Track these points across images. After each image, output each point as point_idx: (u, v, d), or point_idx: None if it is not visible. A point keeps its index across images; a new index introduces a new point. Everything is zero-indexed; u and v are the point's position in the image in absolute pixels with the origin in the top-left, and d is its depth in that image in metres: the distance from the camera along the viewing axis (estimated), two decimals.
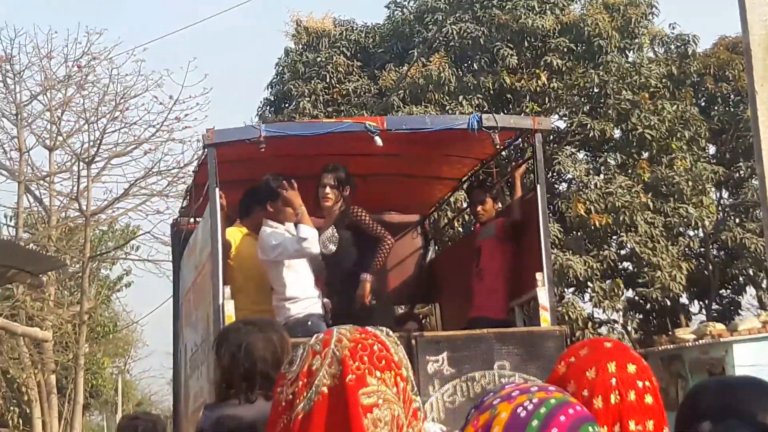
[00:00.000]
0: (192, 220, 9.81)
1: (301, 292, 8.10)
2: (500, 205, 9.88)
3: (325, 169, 8.44)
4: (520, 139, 9.34)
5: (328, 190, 8.41)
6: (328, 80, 25.37)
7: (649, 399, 2.67)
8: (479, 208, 9.27)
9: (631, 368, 2.69)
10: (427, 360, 7.49)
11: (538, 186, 8.32)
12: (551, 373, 2.74)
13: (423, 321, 10.42)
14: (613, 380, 2.64)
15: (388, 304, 8.92)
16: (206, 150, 8.18)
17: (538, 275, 8.07)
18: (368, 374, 2.23)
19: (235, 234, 8.43)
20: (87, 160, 20.70)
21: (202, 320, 8.58)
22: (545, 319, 7.98)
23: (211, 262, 7.87)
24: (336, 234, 8.36)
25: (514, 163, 9.34)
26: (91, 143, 21.14)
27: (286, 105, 26.56)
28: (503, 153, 9.28)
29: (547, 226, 8.36)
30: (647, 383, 2.70)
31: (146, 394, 66.59)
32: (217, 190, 7.89)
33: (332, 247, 8.34)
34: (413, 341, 7.45)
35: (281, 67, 27.25)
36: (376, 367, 2.24)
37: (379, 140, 8.11)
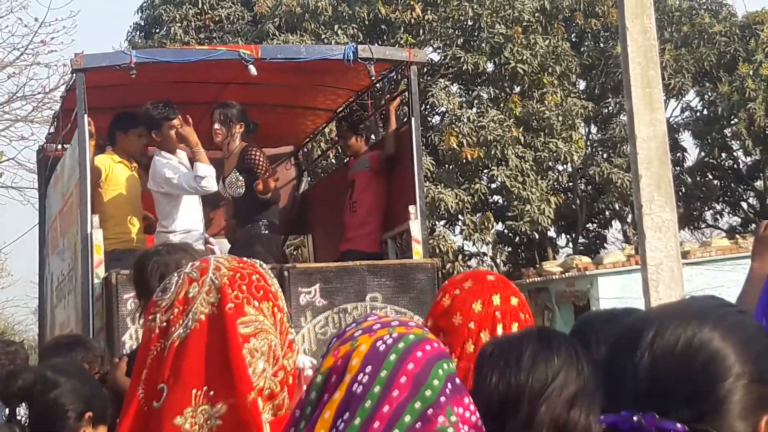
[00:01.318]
0: (59, 146, 9.61)
1: (186, 226, 8.02)
2: (371, 138, 9.90)
3: (217, 105, 8.38)
4: (395, 72, 9.36)
5: (217, 125, 8.33)
6: (200, 6, 24.89)
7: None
8: (342, 143, 9.39)
9: (514, 301, 2.73)
10: (300, 291, 7.52)
11: (413, 119, 8.36)
12: (434, 306, 2.75)
13: (294, 252, 10.45)
14: (498, 313, 2.67)
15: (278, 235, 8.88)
16: (74, 75, 8.01)
17: (411, 208, 8.14)
18: (246, 304, 2.21)
19: (106, 161, 8.25)
20: None
21: (69, 249, 8.48)
22: (417, 251, 8.05)
23: (78, 190, 7.75)
24: (240, 177, 8.25)
25: (388, 96, 9.35)
26: None
27: (157, 30, 26.03)
28: (378, 85, 9.26)
29: (420, 160, 8.41)
30: (527, 316, 2.74)
31: (10, 324, 65.58)
32: (85, 116, 7.75)
33: (240, 191, 8.26)
34: (285, 273, 7.46)
35: None
36: (254, 297, 2.22)
37: (253, 69, 8.04)
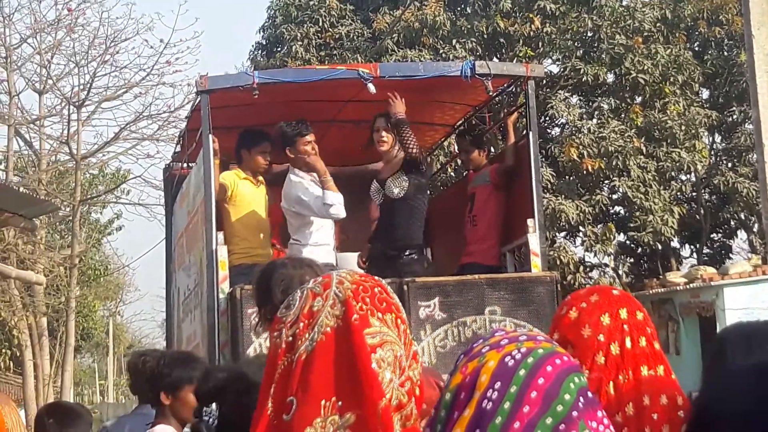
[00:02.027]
0: (185, 165, 9.83)
1: (318, 239, 8.14)
2: (491, 152, 9.90)
3: (379, 114, 8.42)
4: (513, 86, 9.37)
5: (383, 134, 8.35)
6: (320, 24, 25.17)
7: (656, 345, 2.69)
8: (464, 157, 9.40)
9: (639, 315, 2.72)
10: (419, 305, 7.57)
11: (530, 133, 8.38)
12: (560, 319, 2.74)
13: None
14: (626, 326, 2.67)
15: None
16: (199, 96, 8.19)
17: (529, 221, 8.15)
18: (371, 315, 2.21)
19: (231, 178, 8.41)
20: (77, 103, 20.62)
21: (195, 265, 8.66)
22: (536, 264, 8.06)
23: (204, 207, 7.95)
24: (406, 178, 8.26)
25: (506, 110, 9.38)
26: (81, 87, 21.07)
27: (279, 49, 26.39)
28: (497, 99, 9.30)
29: (538, 173, 8.42)
30: (652, 330, 2.72)
31: (137, 337, 66.93)
32: (210, 135, 7.95)
33: (397, 190, 8.25)
34: (405, 287, 7.52)
35: (273, 11, 27.03)
36: (378, 309, 2.22)
37: (372, 87, 8.11)
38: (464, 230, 9.07)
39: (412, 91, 8.64)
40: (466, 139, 9.43)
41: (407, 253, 8.30)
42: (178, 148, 10.29)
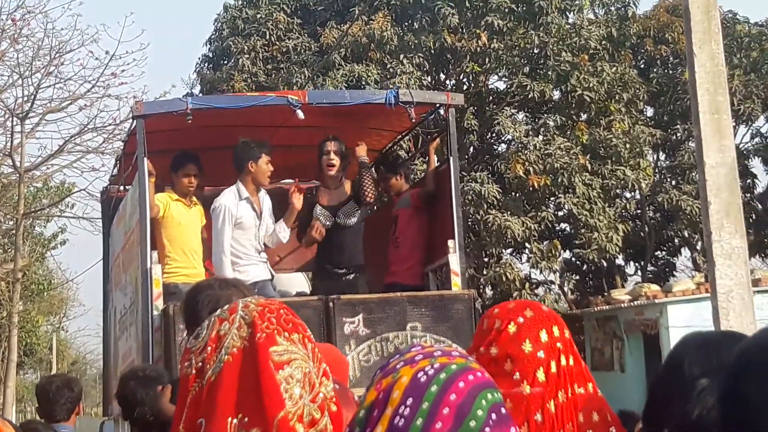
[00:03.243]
0: (122, 187, 10.17)
1: (258, 258, 8.59)
2: (410, 178, 10.48)
3: (327, 138, 8.89)
4: (434, 113, 9.77)
5: (333, 157, 8.86)
6: (267, 37, 25.14)
7: (582, 364, 2.70)
8: (383, 185, 9.83)
9: (567, 333, 2.72)
10: (344, 321, 7.92)
11: (451, 158, 8.87)
12: (498, 333, 2.72)
13: None
14: (559, 344, 2.66)
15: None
16: (135, 121, 8.59)
17: (450, 242, 8.59)
18: (277, 334, 2.26)
19: (163, 199, 8.75)
20: (21, 115, 20.38)
21: (130, 284, 8.97)
22: (456, 283, 8.52)
23: (139, 228, 8.28)
24: (357, 208, 8.96)
25: (428, 137, 9.84)
26: (25, 98, 20.81)
27: (225, 62, 26.32)
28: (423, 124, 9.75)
29: (458, 196, 8.90)
30: (575, 350, 2.73)
31: (81, 353, 66.28)
32: (145, 159, 8.28)
33: (354, 220, 8.95)
34: (331, 303, 7.91)
35: (220, 23, 26.94)
36: (284, 329, 2.28)
37: (300, 113, 8.54)
38: (388, 251, 9.47)
39: (340, 118, 9.16)
40: (382, 168, 9.88)
41: (352, 272, 8.88)
42: (115, 171, 10.67)
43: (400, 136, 10.37)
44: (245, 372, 2.20)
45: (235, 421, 2.18)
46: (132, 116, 8.73)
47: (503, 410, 1.82)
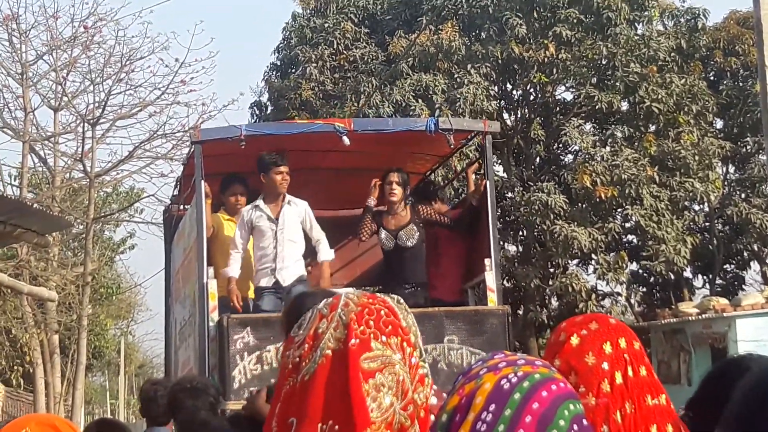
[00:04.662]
0: (181, 207, 10.75)
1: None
2: (447, 200, 11.16)
3: (390, 169, 9.50)
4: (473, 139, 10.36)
5: (395, 187, 9.47)
6: (335, 46, 25.25)
7: (655, 375, 2.69)
8: (425, 208, 10.09)
9: (636, 345, 2.71)
10: None
11: (488, 182, 9.31)
12: (561, 345, 2.73)
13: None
14: (626, 356, 2.66)
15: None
16: (193, 146, 9.12)
17: (487, 261, 8.98)
18: (373, 339, 2.22)
19: (216, 220, 9.45)
20: (92, 121, 20.64)
21: (189, 297, 9.48)
22: (492, 299, 8.89)
23: (196, 246, 8.84)
24: (417, 231, 9.53)
25: (467, 161, 10.22)
26: (96, 105, 21.07)
27: (293, 70, 26.48)
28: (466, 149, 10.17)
29: (495, 217, 9.33)
30: (648, 361, 2.72)
31: (148, 357, 66.91)
32: (202, 182, 8.81)
33: (411, 242, 9.49)
34: None
35: (288, 32, 27.12)
36: (382, 332, 2.23)
37: (346, 140, 8.99)
38: (429, 269, 9.86)
39: (384, 143, 9.66)
40: (424, 195, 10.32)
41: (413, 287, 9.45)
42: (176, 192, 11.25)
43: (442, 161, 11.02)
44: (336, 378, 2.18)
45: (325, 427, 2.15)
46: (190, 142, 9.33)
47: (585, 422, 1.82)
